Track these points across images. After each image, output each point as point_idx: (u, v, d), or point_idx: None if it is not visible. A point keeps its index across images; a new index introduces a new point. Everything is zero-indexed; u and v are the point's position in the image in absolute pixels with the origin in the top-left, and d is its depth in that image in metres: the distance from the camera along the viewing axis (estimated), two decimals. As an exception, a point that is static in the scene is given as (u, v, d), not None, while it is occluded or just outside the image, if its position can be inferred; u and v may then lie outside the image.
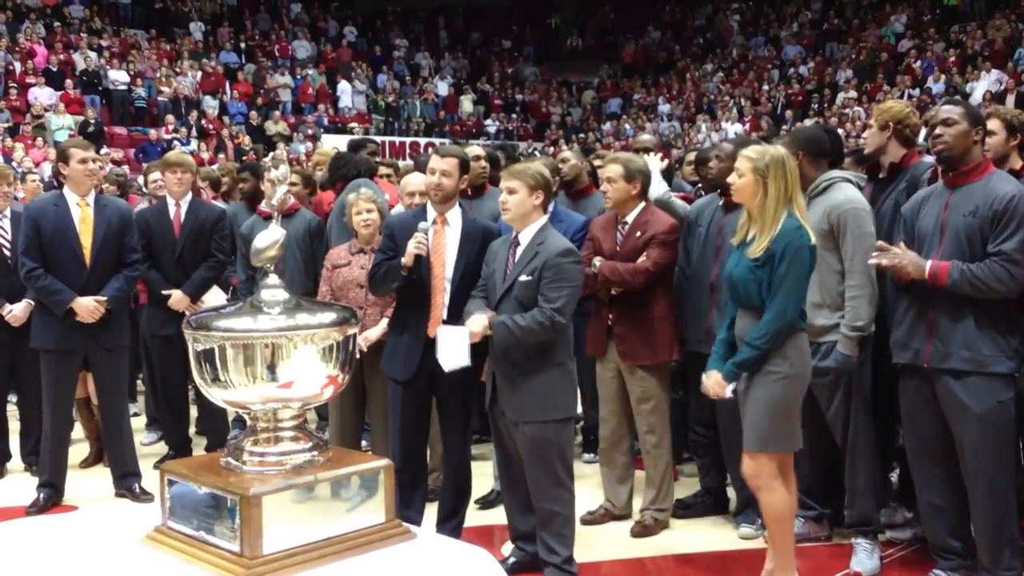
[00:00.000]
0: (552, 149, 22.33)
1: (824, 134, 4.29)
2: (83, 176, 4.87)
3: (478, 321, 3.58)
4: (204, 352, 2.30)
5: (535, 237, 3.67)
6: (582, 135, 23.16)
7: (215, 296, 5.56)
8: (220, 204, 6.53)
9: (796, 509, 3.81)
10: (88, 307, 4.80)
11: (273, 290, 2.41)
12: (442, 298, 3.94)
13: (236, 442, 2.43)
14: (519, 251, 3.69)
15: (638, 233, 4.33)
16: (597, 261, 4.35)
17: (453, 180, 3.98)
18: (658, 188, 4.76)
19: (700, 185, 5.34)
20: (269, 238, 2.42)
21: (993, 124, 3.93)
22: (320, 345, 2.32)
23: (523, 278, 3.59)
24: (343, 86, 22.45)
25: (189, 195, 5.63)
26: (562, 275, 3.55)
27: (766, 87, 22.07)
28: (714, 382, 3.59)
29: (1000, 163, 4.07)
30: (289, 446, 2.38)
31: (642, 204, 4.41)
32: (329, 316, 2.36)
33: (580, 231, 4.74)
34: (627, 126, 22.75)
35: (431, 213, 4.03)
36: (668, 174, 5.48)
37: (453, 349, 3.60)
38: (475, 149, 5.71)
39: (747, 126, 20.05)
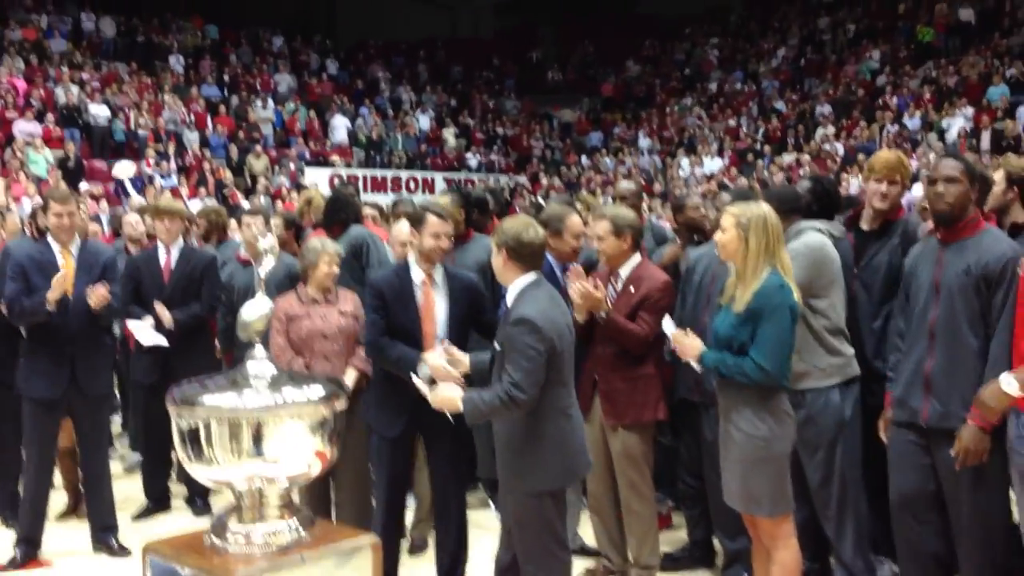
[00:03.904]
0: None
1: (795, 191, 4.31)
2: (56, 230, 4.84)
3: (449, 398, 3.43)
4: (189, 430, 2.26)
5: (514, 300, 3.48)
6: (563, 167, 23.29)
7: (146, 331, 5.38)
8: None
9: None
10: (62, 279, 4.66)
11: (259, 363, 2.38)
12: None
13: (220, 519, 2.39)
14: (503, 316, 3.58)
15: (632, 288, 4.30)
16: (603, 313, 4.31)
17: (451, 238, 4.01)
18: None
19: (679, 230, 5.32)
20: (256, 311, 2.39)
21: (996, 175, 3.94)
22: (308, 421, 2.29)
23: (498, 347, 3.46)
24: (337, 120, 22.43)
25: (181, 241, 5.60)
26: (513, 347, 3.31)
27: (744, 122, 22.27)
28: (694, 350, 3.60)
29: (1000, 215, 4.09)
30: (275, 525, 2.35)
31: (636, 258, 4.38)
32: (317, 391, 2.33)
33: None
34: (607, 159, 22.88)
35: (415, 271, 4.01)
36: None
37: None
38: (445, 198, 5.68)
39: (726, 161, 20.22)
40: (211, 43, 24.16)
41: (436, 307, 3.95)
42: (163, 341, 5.32)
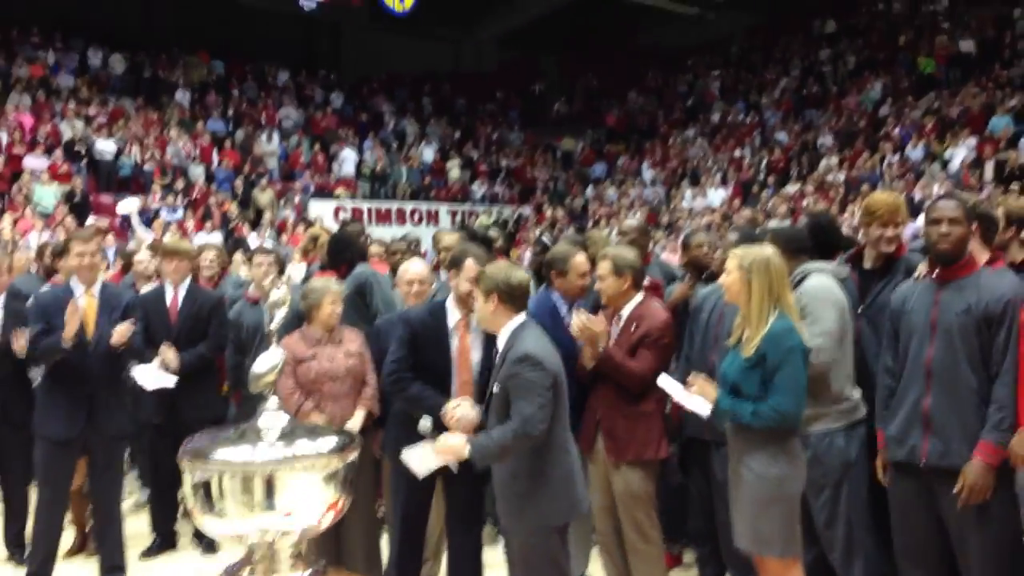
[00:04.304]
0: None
1: (802, 232, 4.34)
2: (79, 269, 4.86)
3: (454, 447, 3.45)
4: (202, 483, 2.27)
5: (507, 341, 3.53)
6: (568, 199, 23.36)
7: (151, 375, 5.31)
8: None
9: None
10: (76, 311, 4.68)
11: (272, 415, 2.39)
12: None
13: (231, 571, 2.39)
14: (497, 358, 3.59)
15: (633, 327, 4.32)
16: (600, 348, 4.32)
17: None
18: None
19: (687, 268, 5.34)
20: (267, 363, 2.41)
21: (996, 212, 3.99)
22: (321, 473, 2.29)
23: (496, 389, 3.49)
24: (346, 153, 22.55)
25: (187, 281, 5.63)
26: (519, 385, 3.37)
27: (748, 152, 22.34)
28: (708, 394, 3.59)
29: (1003, 251, 4.12)
30: (287, 576, 2.35)
31: (638, 297, 4.40)
32: (329, 442, 2.34)
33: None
34: (611, 191, 22.95)
35: (452, 312, 4.01)
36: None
37: (422, 462, 3.57)
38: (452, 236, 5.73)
39: (730, 191, 20.26)
40: (217, 78, 24.32)
41: (471, 350, 3.95)
42: (169, 383, 5.27)
